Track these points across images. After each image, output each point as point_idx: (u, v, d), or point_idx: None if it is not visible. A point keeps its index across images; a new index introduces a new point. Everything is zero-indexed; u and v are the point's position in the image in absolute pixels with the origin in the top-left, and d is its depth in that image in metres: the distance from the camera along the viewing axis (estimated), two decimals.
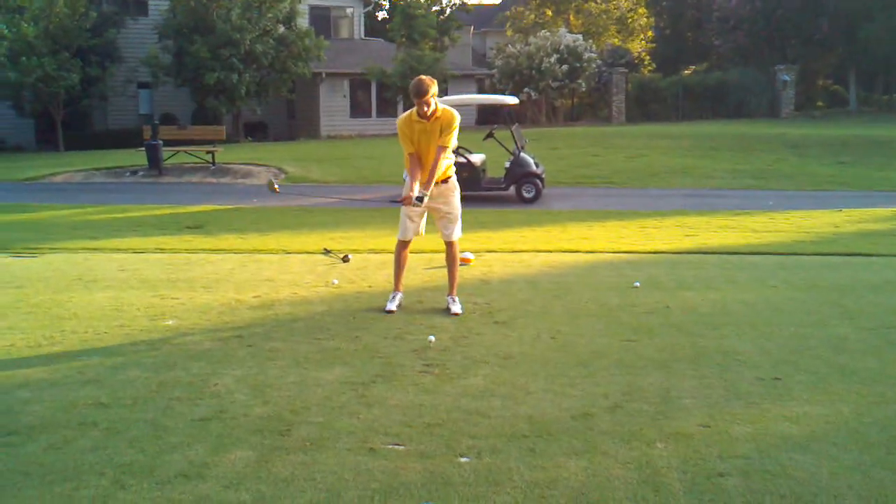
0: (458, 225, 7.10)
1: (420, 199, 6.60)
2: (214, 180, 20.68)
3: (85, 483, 3.76)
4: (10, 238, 11.44)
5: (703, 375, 5.25)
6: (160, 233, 12.13)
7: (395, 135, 6.84)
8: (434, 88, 6.52)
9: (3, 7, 29.21)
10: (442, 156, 6.67)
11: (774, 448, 4.12)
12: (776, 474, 3.82)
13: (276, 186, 7.71)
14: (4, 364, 5.53)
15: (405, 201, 6.75)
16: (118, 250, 10.33)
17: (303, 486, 3.73)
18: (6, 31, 28.17)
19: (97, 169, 22.21)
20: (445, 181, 6.93)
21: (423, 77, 6.58)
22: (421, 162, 6.75)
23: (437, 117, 6.62)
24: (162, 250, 10.36)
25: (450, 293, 7.08)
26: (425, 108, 6.50)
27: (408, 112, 6.76)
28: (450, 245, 7.12)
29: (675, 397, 4.86)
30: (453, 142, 6.79)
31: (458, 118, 6.72)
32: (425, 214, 7.07)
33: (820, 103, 47.03)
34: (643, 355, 5.68)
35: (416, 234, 7.15)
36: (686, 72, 45.94)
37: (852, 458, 4.00)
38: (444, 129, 6.63)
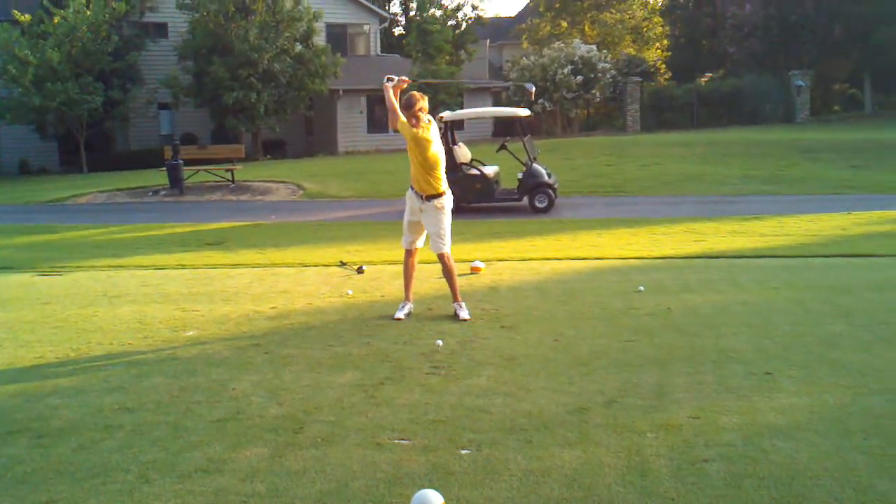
0: (446, 239, 7.31)
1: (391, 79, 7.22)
2: (234, 198, 21.09)
3: (112, 479, 4.06)
4: (36, 258, 11.84)
5: (697, 372, 5.48)
6: (181, 249, 12.49)
7: None
8: (423, 103, 6.95)
9: (28, 33, 29.85)
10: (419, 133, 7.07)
11: (759, 436, 4.35)
12: (758, 459, 4.06)
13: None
14: (35, 374, 5.87)
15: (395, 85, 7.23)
16: (141, 267, 10.68)
17: (314, 477, 4.01)
18: (32, 58, 28.79)
19: (120, 189, 22.71)
20: (432, 197, 7.23)
21: (415, 92, 7.08)
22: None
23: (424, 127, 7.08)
24: (183, 266, 10.71)
25: (455, 301, 7.34)
26: (414, 122, 6.96)
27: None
28: (440, 257, 7.36)
29: (669, 392, 5.09)
30: (441, 154, 7.18)
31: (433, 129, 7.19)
32: (424, 230, 7.38)
33: (836, 108, 46.88)
34: (641, 354, 5.92)
35: (413, 244, 7.45)
36: (702, 80, 45.94)
37: (831, 443, 4.23)
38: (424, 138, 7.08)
